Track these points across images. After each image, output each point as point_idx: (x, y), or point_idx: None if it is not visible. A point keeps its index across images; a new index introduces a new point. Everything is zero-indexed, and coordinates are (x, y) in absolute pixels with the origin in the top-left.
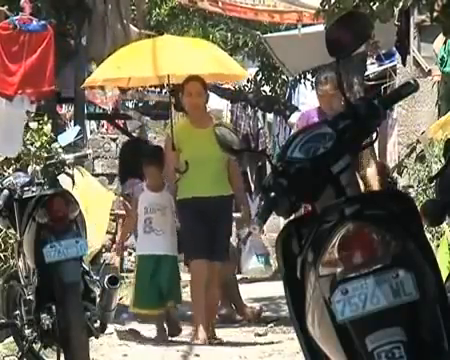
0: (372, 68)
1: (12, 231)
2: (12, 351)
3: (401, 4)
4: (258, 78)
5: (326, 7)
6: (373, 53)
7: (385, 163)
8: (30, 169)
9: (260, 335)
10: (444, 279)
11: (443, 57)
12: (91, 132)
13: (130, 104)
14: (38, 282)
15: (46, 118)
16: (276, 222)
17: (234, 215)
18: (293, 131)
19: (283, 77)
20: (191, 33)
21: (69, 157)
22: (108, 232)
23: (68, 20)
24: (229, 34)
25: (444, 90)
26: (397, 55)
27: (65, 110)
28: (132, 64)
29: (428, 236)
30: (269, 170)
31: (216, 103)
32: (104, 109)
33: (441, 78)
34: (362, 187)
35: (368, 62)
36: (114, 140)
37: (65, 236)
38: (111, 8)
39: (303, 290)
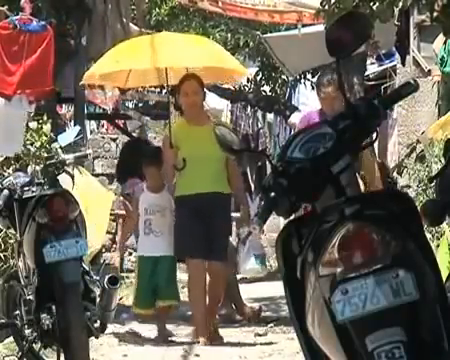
0: (372, 68)
1: (12, 231)
2: (12, 351)
3: (401, 4)
4: (258, 78)
5: (326, 7)
6: (373, 53)
7: (385, 163)
8: (30, 169)
9: (260, 335)
10: (444, 279)
11: (443, 57)
12: (91, 132)
13: (130, 104)
14: (38, 282)
15: (46, 118)
16: (276, 222)
17: (234, 215)
18: (293, 131)
19: (283, 77)
20: (191, 33)
21: (69, 157)
22: (108, 232)
23: (68, 20)
24: (229, 34)
25: (444, 90)
26: (397, 55)
27: (65, 110)
28: (131, 58)
29: (428, 236)
30: (269, 170)
31: (216, 103)
32: (104, 109)
33: (441, 78)
34: (362, 187)
35: (368, 62)
36: (114, 140)
37: (65, 236)
38: (111, 8)
39: (303, 290)
